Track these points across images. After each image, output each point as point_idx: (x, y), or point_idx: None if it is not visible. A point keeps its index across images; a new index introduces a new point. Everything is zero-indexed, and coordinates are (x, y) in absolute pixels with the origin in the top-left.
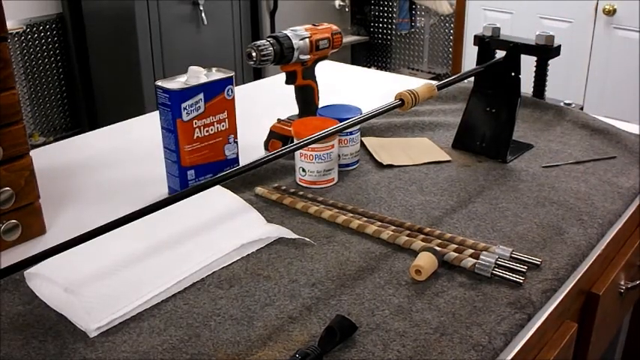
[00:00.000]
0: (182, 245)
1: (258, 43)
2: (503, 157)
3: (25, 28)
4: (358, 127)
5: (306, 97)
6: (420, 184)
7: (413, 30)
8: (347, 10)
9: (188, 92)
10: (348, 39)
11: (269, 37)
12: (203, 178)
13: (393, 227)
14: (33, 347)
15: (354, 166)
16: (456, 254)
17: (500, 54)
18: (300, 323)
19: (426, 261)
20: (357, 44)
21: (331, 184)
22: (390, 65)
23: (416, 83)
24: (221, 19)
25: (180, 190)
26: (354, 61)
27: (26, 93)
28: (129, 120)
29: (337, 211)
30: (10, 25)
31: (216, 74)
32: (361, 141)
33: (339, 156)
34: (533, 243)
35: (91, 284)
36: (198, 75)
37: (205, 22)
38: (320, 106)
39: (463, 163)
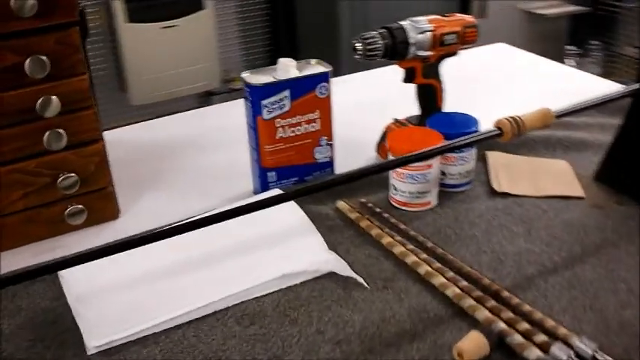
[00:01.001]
0: (218, 264)
1: (367, 34)
2: None
3: None
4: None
5: (427, 98)
6: (531, 225)
7: None
8: None
9: (270, 88)
10: (567, 9)
11: (382, 27)
12: (287, 181)
13: (466, 283)
14: (35, 352)
15: (464, 188)
16: (523, 339)
17: None
18: None
19: (471, 344)
20: (578, 15)
21: (426, 207)
22: (614, 41)
23: (591, 88)
24: None
25: (261, 191)
26: (572, 34)
27: (235, 31)
28: (230, 102)
29: (412, 247)
30: None
31: (310, 68)
32: (485, 156)
33: (443, 174)
34: (634, 338)
35: (104, 297)
36: (287, 69)
37: None
38: (444, 108)
39: (596, 203)
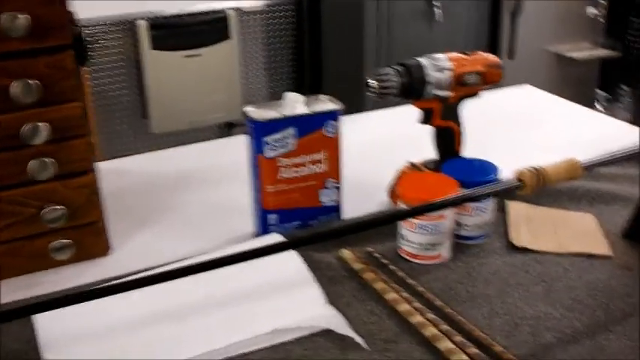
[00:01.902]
0: (203, 314)
1: (381, 70)
2: None
3: (266, 7)
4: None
5: (445, 142)
6: (551, 285)
7: None
8: (601, 20)
9: (274, 125)
10: (597, 53)
11: (399, 64)
12: (289, 225)
13: (475, 349)
14: None
15: (480, 241)
16: None
17: None
18: None
19: None
20: (608, 60)
21: (437, 261)
22: None
23: (620, 136)
24: (457, 18)
25: (261, 233)
26: (603, 79)
27: (260, 63)
28: (238, 136)
29: (419, 305)
30: (252, 4)
31: (319, 104)
32: (505, 206)
33: (458, 225)
34: None
35: (75, 345)
36: (294, 104)
37: (439, 20)
38: (462, 153)
39: (625, 264)
